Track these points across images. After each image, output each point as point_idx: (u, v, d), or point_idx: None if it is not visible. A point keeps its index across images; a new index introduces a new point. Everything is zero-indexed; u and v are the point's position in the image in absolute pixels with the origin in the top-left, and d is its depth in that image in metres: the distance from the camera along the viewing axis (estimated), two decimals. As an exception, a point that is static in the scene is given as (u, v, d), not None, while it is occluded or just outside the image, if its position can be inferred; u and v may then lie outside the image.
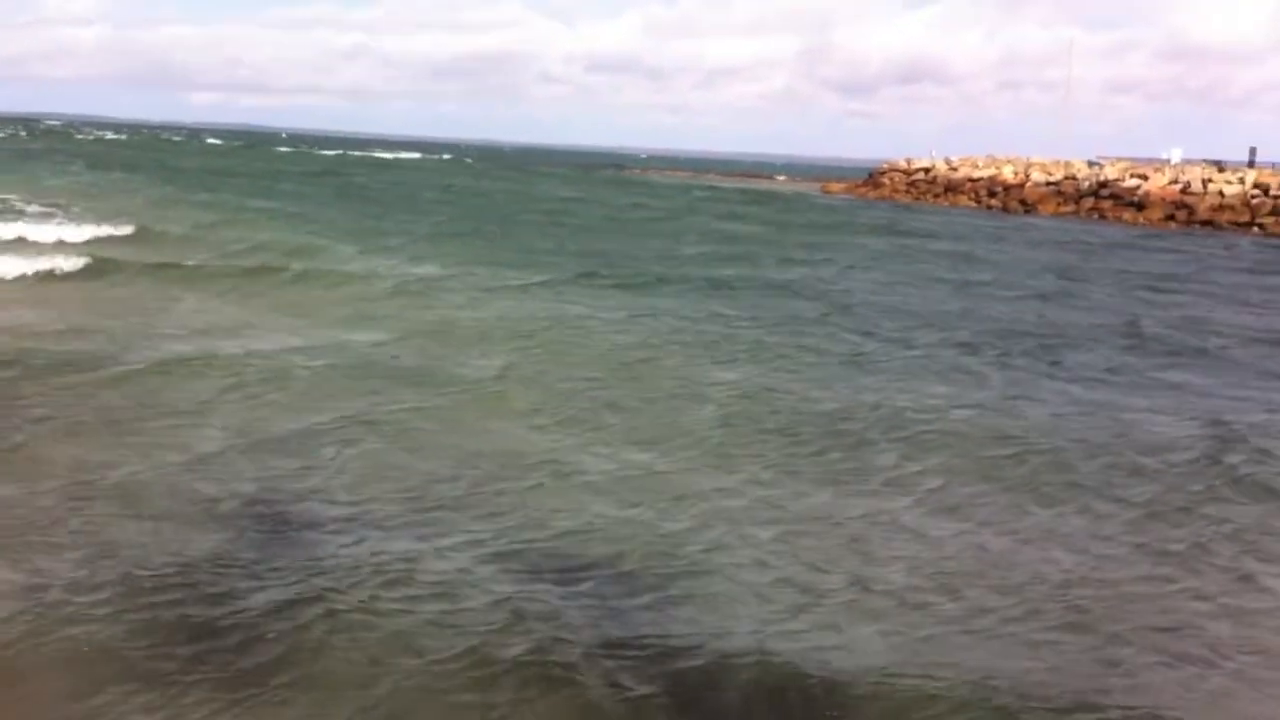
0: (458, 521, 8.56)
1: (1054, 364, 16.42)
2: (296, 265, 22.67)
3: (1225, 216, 58.64)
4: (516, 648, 6.48)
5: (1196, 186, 62.17)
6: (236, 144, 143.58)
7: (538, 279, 22.85)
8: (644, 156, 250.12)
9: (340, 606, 6.84)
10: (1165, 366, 16.66)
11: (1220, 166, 68.38)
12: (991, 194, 72.20)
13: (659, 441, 10.99)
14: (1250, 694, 6.58)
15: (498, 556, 7.88)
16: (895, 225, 49.44)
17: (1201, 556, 8.59)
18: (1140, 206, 62.72)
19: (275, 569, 7.39)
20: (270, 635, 6.50)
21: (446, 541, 8.09)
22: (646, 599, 7.35)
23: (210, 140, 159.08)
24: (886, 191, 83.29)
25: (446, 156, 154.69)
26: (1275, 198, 58.46)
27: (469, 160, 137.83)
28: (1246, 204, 59.05)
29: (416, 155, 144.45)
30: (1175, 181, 63.77)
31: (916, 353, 16.78)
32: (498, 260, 26.22)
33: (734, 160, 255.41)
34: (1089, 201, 65.75)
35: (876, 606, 7.39)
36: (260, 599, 6.92)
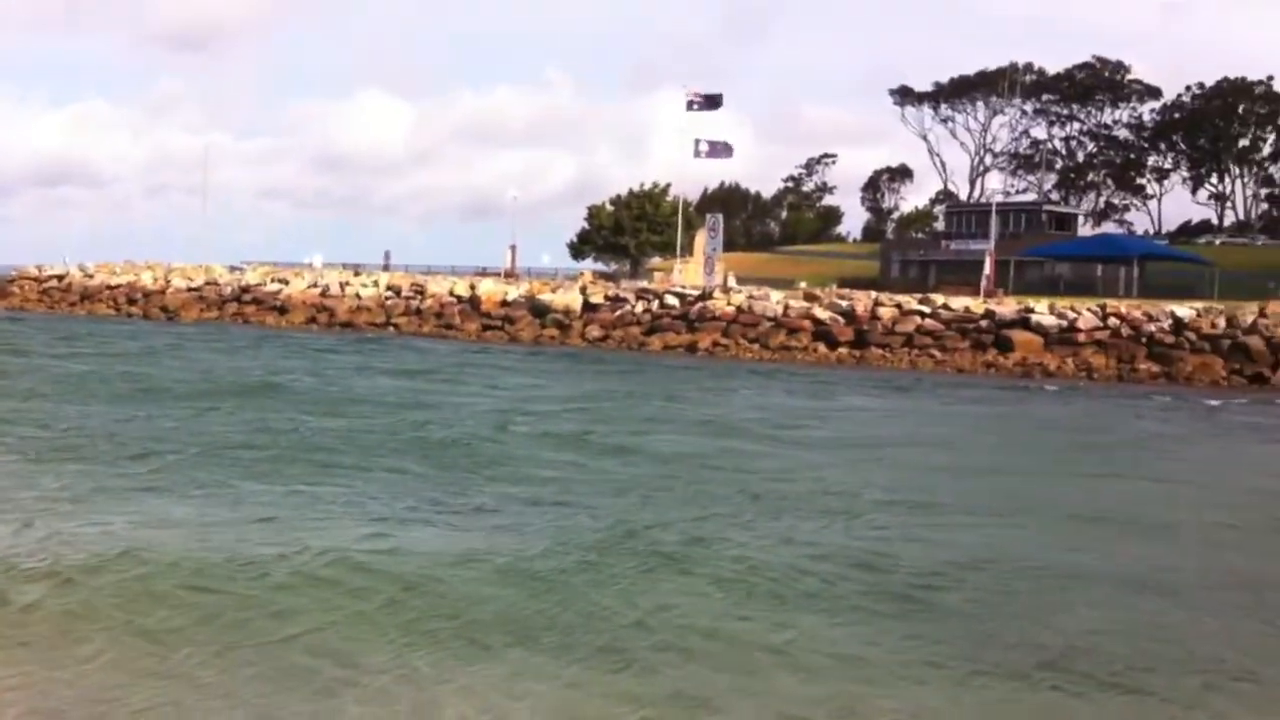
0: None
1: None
2: None
3: (363, 318, 60.39)
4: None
5: (335, 290, 63.66)
6: None
7: None
8: None
9: None
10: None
11: (357, 270, 71.14)
12: (132, 301, 67.63)
13: None
14: None
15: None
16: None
17: None
18: (284, 310, 62.57)
19: None
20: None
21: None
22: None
23: None
24: (18, 301, 74.66)
25: None
26: (407, 298, 61.66)
27: None
28: (382, 305, 61.51)
29: None
30: (315, 285, 64.80)
31: None
32: None
33: None
34: (233, 306, 64.25)
35: None
36: None
